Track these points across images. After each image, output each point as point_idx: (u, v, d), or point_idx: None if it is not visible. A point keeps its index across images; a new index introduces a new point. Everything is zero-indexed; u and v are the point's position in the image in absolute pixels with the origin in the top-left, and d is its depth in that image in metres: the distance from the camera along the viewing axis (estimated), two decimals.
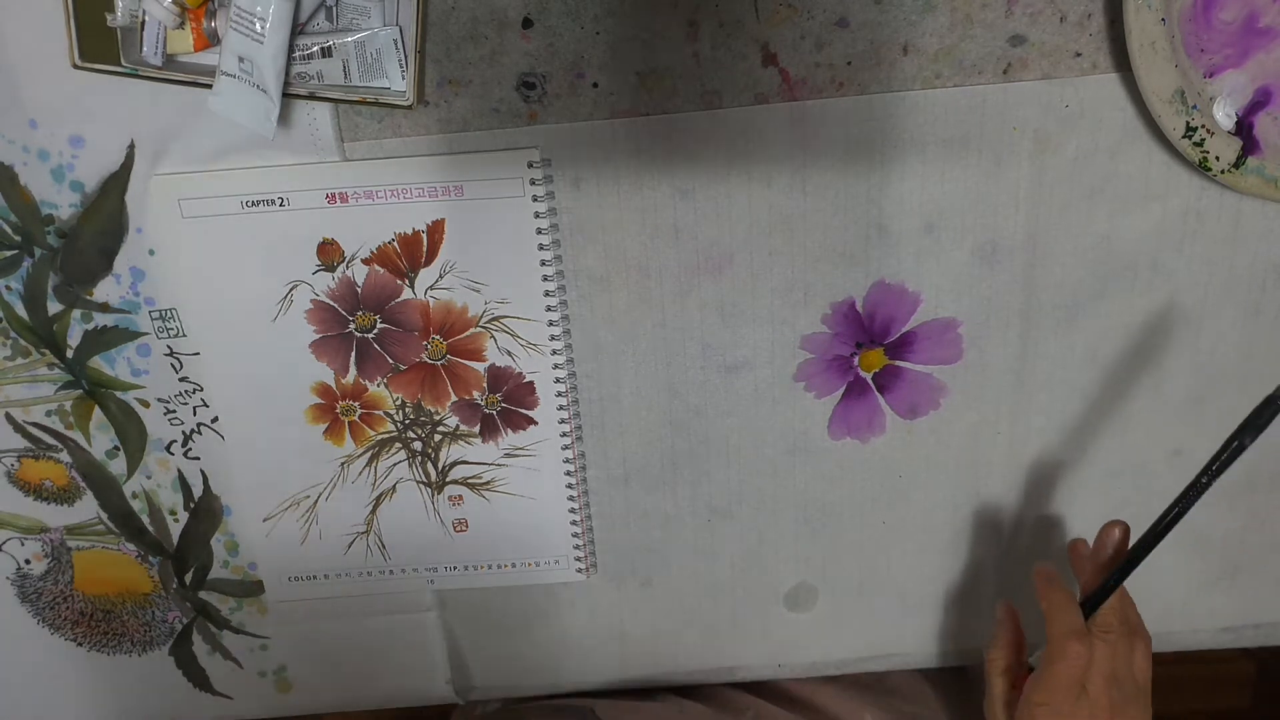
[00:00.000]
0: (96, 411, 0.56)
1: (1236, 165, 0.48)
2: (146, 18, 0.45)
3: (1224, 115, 0.47)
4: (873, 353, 0.55)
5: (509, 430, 0.56)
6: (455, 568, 0.59)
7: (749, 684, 0.66)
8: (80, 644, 0.63)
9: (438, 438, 0.56)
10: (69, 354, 0.54)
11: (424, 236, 0.51)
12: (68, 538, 0.60)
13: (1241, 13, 0.46)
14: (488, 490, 0.57)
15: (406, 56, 0.46)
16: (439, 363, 0.54)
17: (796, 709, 0.65)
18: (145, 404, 0.56)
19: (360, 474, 0.57)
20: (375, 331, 0.53)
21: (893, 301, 0.53)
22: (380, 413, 0.55)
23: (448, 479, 0.57)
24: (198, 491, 0.58)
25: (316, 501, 0.58)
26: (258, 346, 0.53)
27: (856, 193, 0.50)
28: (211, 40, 0.46)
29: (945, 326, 0.54)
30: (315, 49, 0.46)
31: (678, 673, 0.64)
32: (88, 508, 0.59)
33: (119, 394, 0.55)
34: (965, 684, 0.69)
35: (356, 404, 0.55)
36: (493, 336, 0.53)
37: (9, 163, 0.50)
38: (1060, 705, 0.48)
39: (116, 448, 0.57)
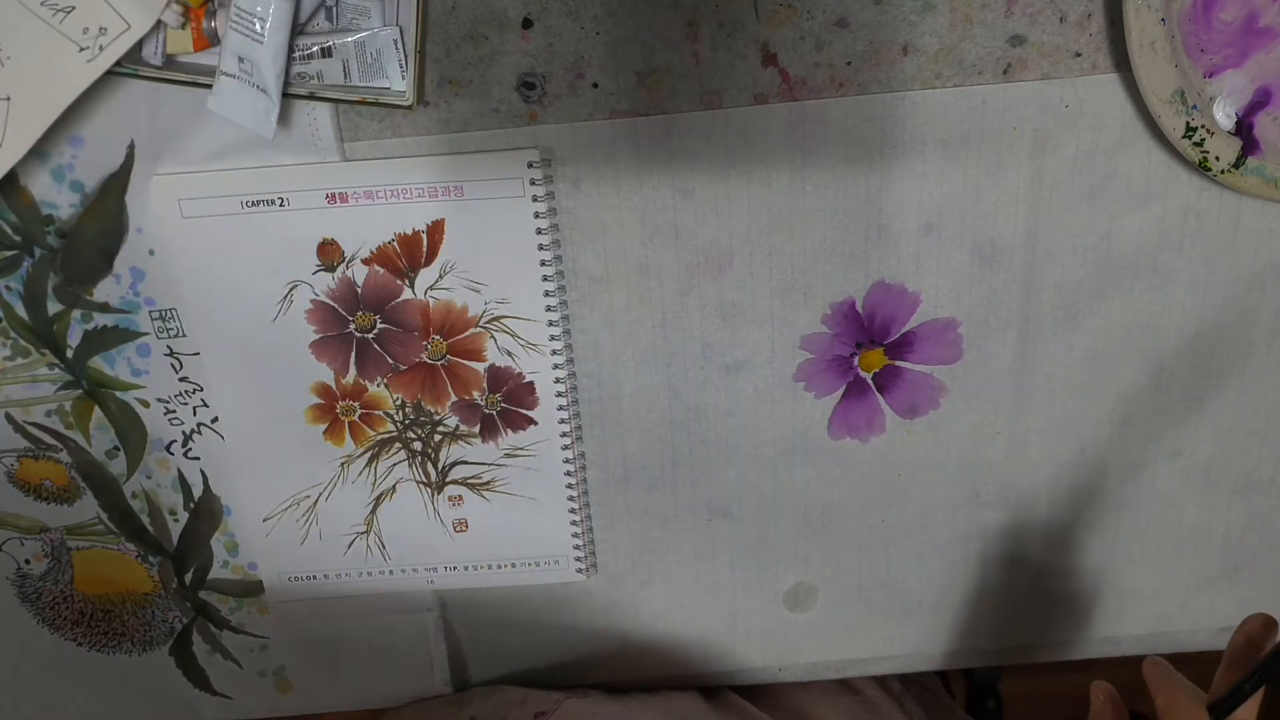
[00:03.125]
0: (96, 411, 0.56)
1: (1236, 165, 0.48)
2: None
3: (1224, 115, 0.48)
4: (872, 353, 0.55)
5: (509, 430, 0.56)
6: (455, 568, 0.59)
7: (750, 691, 0.66)
8: (80, 644, 0.63)
9: (438, 438, 0.56)
10: (69, 354, 0.54)
11: (424, 236, 0.51)
12: (68, 538, 0.60)
13: (1241, 13, 0.46)
14: (488, 490, 0.57)
15: (406, 56, 0.46)
16: (439, 363, 0.54)
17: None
18: (145, 404, 0.56)
19: (360, 474, 0.57)
20: (375, 332, 0.53)
21: (892, 301, 0.53)
22: (380, 413, 0.55)
23: (448, 479, 0.57)
24: (198, 491, 0.58)
25: (316, 501, 0.58)
26: (258, 346, 0.53)
27: (856, 193, 0.50)
28: (211, 40, 0.46)
29: (945, 326, 0.54)
30: (315, 49, 0.46)
31: (678, 674, 0.64)
32: (88, 508, 0.59)
33: (119, 394, 0.55)
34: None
35: (356, 404, 0.55)
36: (493, 336, 0.53)
37: None
38: None
39: (116, 448, 0.57)
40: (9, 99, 0.46)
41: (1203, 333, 0.54)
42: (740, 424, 0.56)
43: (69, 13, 0.44)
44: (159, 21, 0.45)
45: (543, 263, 0.51)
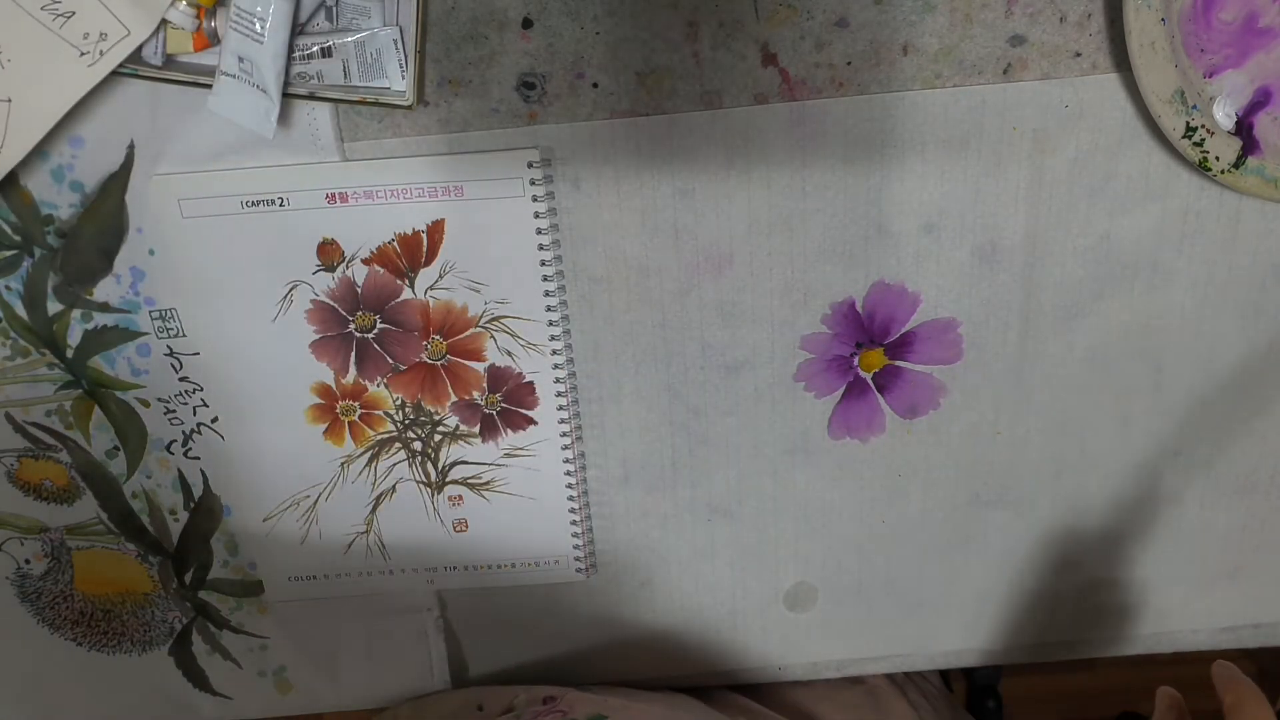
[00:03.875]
0: (96, 411, 0.56)
1: (1236, 165, 0.48)
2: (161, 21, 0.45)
3: (1224, 115, 0.48)
4: (872, 353, 0.55)
5: (509, 430, 0.56)
6: (455, 568, 0.59)
7: (751, 688, 0.66)
8: (80, 644, 0.63)
9: (438, 438, 0.56)
10: (69, 354, 0.54)
11: (424, 236, 0.51)
12: (68, 538, 0.60)
13: (1241, 13, 0.46)
14: (488, 490, 0.57)
15: (406, 56, 0.46)
16: (439, 363, 0.54)
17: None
18: (145, 404, 0.56)
19: (360, 474, 0.57)
20: (375, 332, 0.53)
21: (893, 301, 0.53)
22: (380, 413, 0.55)
23: (447, 479, 0.57)
24: (198, 491, 0.58)
25: (316, 501, 0.58)
26: (258, 347, 0.53)
27: (856, 193, 0.50)
28: (211, 40, 0.46)
29: (945, 326, 0.54)
30: (315, 49, 0.46)
31: (678, 673, 0.64)
32: (88, 508, 0.59)
33: (119, 394, 0.55)
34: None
35: (356, 404, 0.55)
36: (493, 336, 0.53)
37: None
38: None
39: (116, 448, 0.57)
40: (9, 101, 0.46)
41: (1203, 333, 0.54)
42: (740, 424, 0.56)
43: (69, 18, 0.44)
44: (159, 24, 0.45)
45: (543, 263, 0.51)
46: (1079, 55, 0.48)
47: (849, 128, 0.49)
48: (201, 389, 0.55)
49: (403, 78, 0.47)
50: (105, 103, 0.48)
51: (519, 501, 0.58)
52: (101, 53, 0.45)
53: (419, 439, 0.56)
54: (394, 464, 0.57)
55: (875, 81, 0.48)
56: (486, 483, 0.57)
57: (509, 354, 0.54)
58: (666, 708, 0.60)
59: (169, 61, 0.47)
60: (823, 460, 0.57)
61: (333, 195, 0.50)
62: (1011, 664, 0.65)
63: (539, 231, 0.51)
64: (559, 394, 0.55)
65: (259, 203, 0.50)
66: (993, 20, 0.47)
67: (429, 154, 0.49)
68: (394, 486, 0.57)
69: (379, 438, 0.56)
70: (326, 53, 0.46)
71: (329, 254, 0.51)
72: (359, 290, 0.52)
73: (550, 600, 0.61)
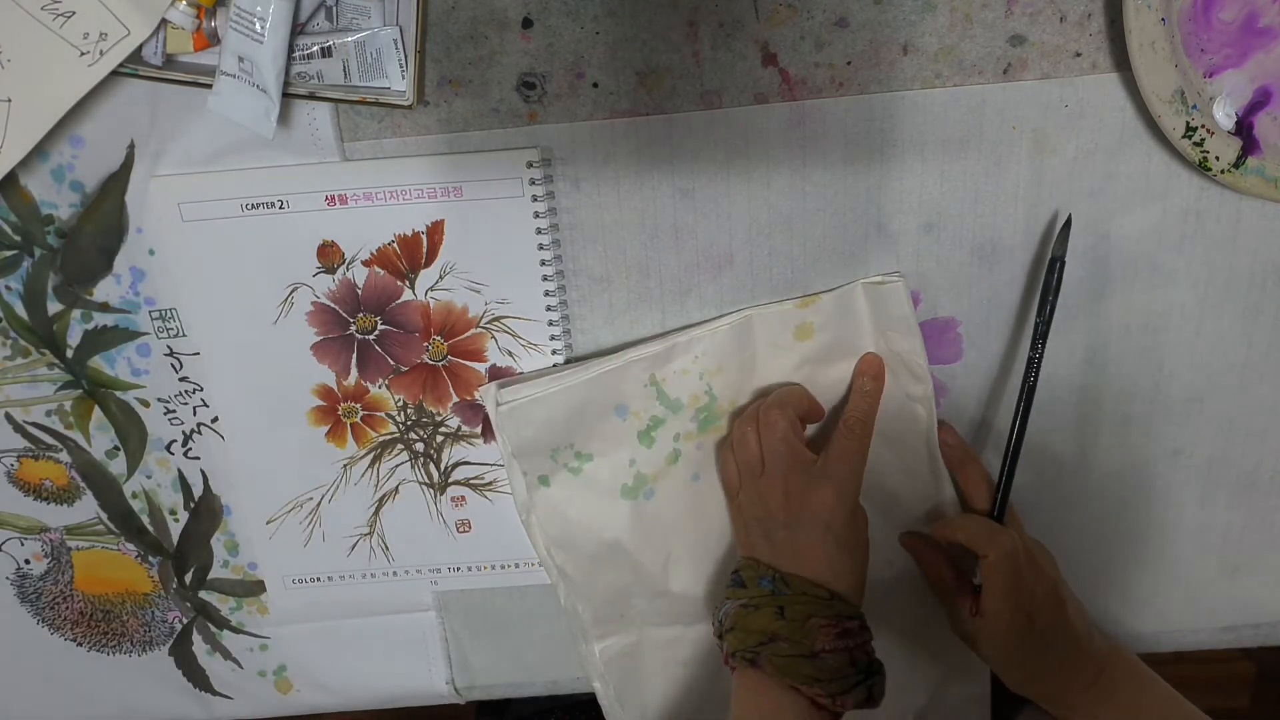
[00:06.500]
0: (96, 411, 0.56)
1: (1236, 165, 0.48)
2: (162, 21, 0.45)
3: (1224, 115, 0.48)
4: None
5: None
6: (458, 569, 0.59)
7: None
8: (80, 644, 0.63)
9: (440, 439, 0.56)
10: (69, 354, 0.54)
11: (424, 238, 0.51)
12: (68, 538, 0.60)
13: (1241, 13, 0.46)
14: (490, 491, 0.57)
15: (406, 56, 0.46)
16: (440, 364, 0.54)
17: None
18: (145, 404, 0.56)
19: (363, 476, 0.57)
20: (376, 333, 0.53)
21: None
22: (382, 414, 0.55)
23: (450, 480, 0.57)
24: (198, 491, 0.58)
25: (320, 504, 0.58)
26: (258, 349, 0.53)
27: (856, 193, 0.50)
28: (211, 40, 0.46)
29: (945, 326, 0.54)
30: (315, 49, 0.46)
31: None
32: (88, 508, 0.59)
33: (119, 394, 0.55)
34: None
35: (358, 406, 0.55)
36: (493, 337, 0.53)
37: None
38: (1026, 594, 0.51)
39: (116, 448, 0.57)
40: (9, 101, 0.46)
41: (1203, 333, 0.54)
42: None
43: (69, 18, 0.44)
44: (159, 24, 0.45)
45: (543, 263, 0.51)
46: (1079, 55, 0.48)
47: (849, 128, 0.49)
48: (201, 389, 0.55)
49: (403, 78, 0.47)
50: (105, 103, 0.48)
51: None
52: (101, 53, 0.45)
53: (421, 440, 0.56)
54: (396, 465, 0.57)
55: (875, 81, 0.48)
56: (489, 483, 0.57)
57: (510, 354, 0.54)
58: None
59: (169, 61, 0.47)
60: None
61: (332, 197, 0.50)
62: None
63: (539, 231, 0.51)
64: None
65: (259, 205, 0.50)
66: (993, 20, 0.47)
67: (429, 154, 0.49)
68: (397, 488, 0.57)
69: (381, 439, 0.56)
70: (326, 53, 0.46)
71: (329, 256, 0.51)
72: (359, 292, 0.52)
73: (551, 600, 0.61)
